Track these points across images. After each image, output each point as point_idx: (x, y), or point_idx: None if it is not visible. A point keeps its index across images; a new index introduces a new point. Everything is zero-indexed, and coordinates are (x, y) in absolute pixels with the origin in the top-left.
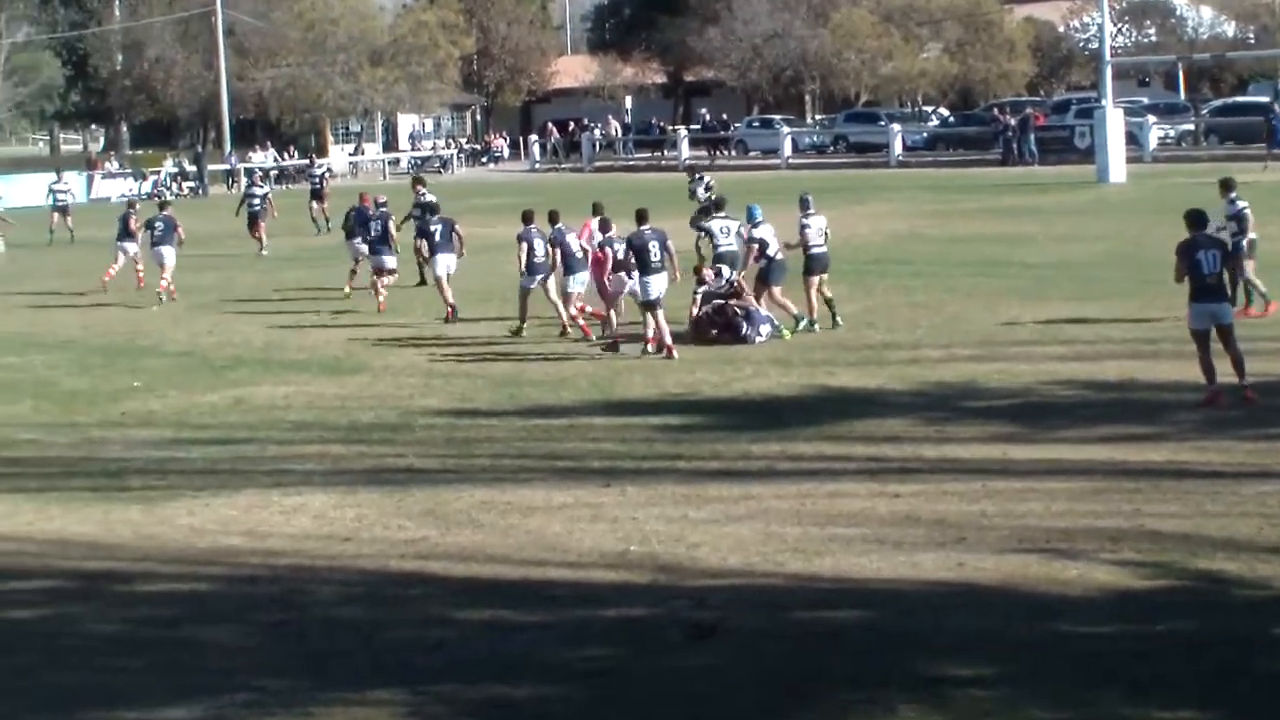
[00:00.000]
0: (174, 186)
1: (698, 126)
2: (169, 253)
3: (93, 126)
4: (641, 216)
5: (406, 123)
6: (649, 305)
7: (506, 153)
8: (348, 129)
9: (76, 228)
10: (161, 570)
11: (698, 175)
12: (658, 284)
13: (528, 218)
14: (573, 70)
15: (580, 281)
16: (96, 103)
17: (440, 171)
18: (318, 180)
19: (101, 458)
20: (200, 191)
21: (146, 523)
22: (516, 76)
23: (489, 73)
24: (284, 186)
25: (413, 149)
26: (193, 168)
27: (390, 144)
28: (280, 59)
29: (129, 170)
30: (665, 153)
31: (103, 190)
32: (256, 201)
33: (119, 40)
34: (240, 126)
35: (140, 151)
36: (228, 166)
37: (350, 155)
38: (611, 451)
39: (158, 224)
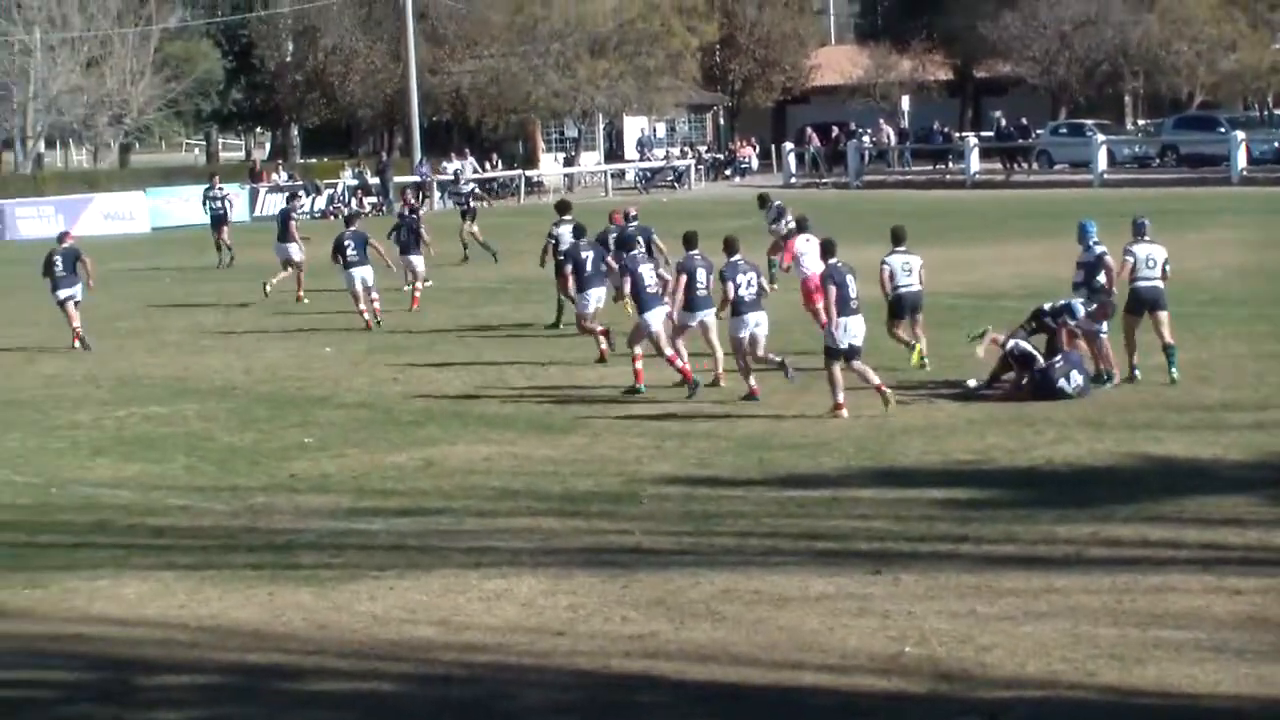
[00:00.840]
0: (353, 202)
1: (990, 133)
2: (367, 274)
3: (257, 130)
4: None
5: (634, 127)
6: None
7: (755, 164)
8: (562, 134)
9: (236, 249)
10: (337, 666)
11: (774, 205)
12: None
13: (690, 241)
14: (837, 64)
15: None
16: (262, 101)
17: (675, 186)
18: (464, 199)
19: (266, 529)
20: (384, 208)
21: (319, 608)
22: (768, 71)
23: (735, 66)
24: (487, 204)
25: (641, 158)
26: (375, 179)
27: (614, 152)
28: (481, 49)
29: (300, 182)
30: (950, 164)
31: (269, 206)
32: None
33: (289, 27)
34: (433, 130)
35: (313, 160)
36: (418, 178)
37: (565, 165)
38: (882, 531)
39: (349, 243)
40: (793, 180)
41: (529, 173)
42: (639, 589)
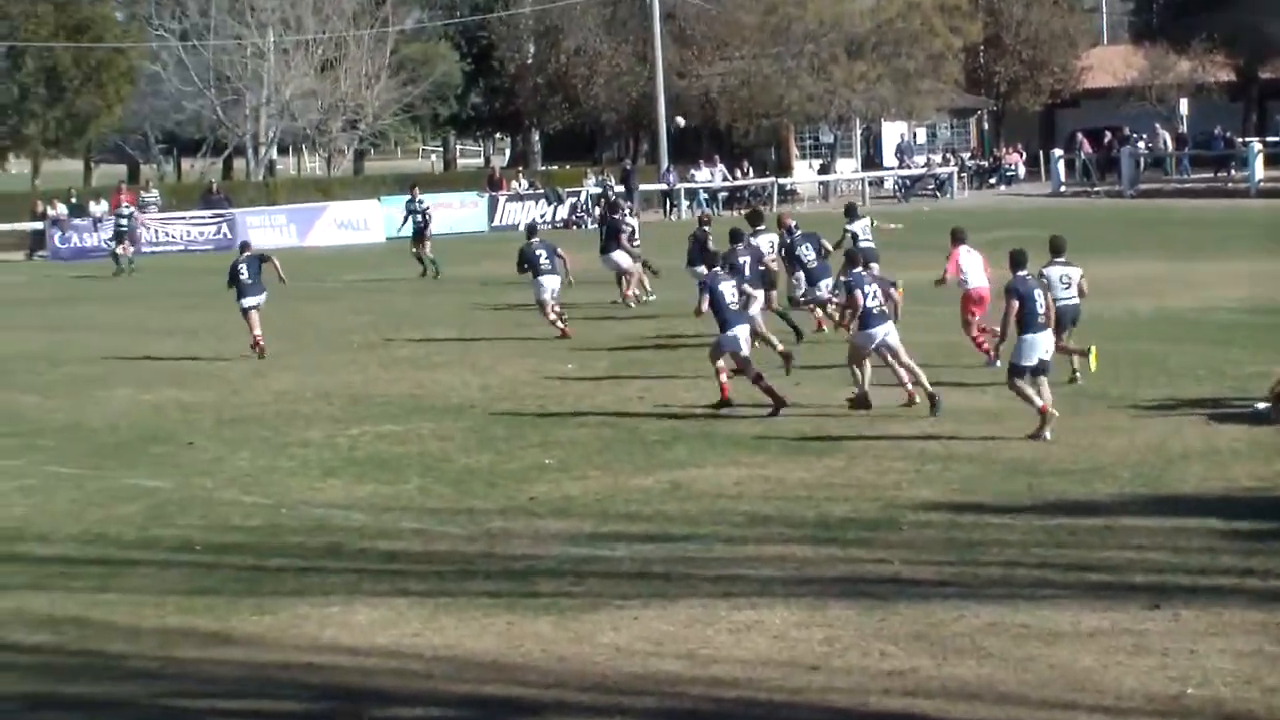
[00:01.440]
0: (595, 211)
1: (1276, 139)
2: (555, 284)
3: (496, 136)
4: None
5: (892, 132)
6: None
7: (1022, 171)
8: (816, 140)
9: (476, 260)
10: (578, 700)
11: (857, 214)
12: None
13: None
14: (1110, 65)
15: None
16: (501, 105)
17: (936, 195)
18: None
19: (504, 554)
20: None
21: (559, 638)
22: (1036, 73)
23: (1000, 68)
24: (735, 212)
25: (900, 165)
26: (620, 187)
27: (871, 159)
28: (732, 50)
29: (541, 190)
30: (1232, 172)
31: (509, 215)
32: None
33: (530, 27)
34: (681, 136)
35: (554, 167)
36: (664, 187)
37: (819, 173)
38: (1160, 563)
39: (540, 253)
40: (1062, 189)
41: (781, 180)
42: (898, 622)
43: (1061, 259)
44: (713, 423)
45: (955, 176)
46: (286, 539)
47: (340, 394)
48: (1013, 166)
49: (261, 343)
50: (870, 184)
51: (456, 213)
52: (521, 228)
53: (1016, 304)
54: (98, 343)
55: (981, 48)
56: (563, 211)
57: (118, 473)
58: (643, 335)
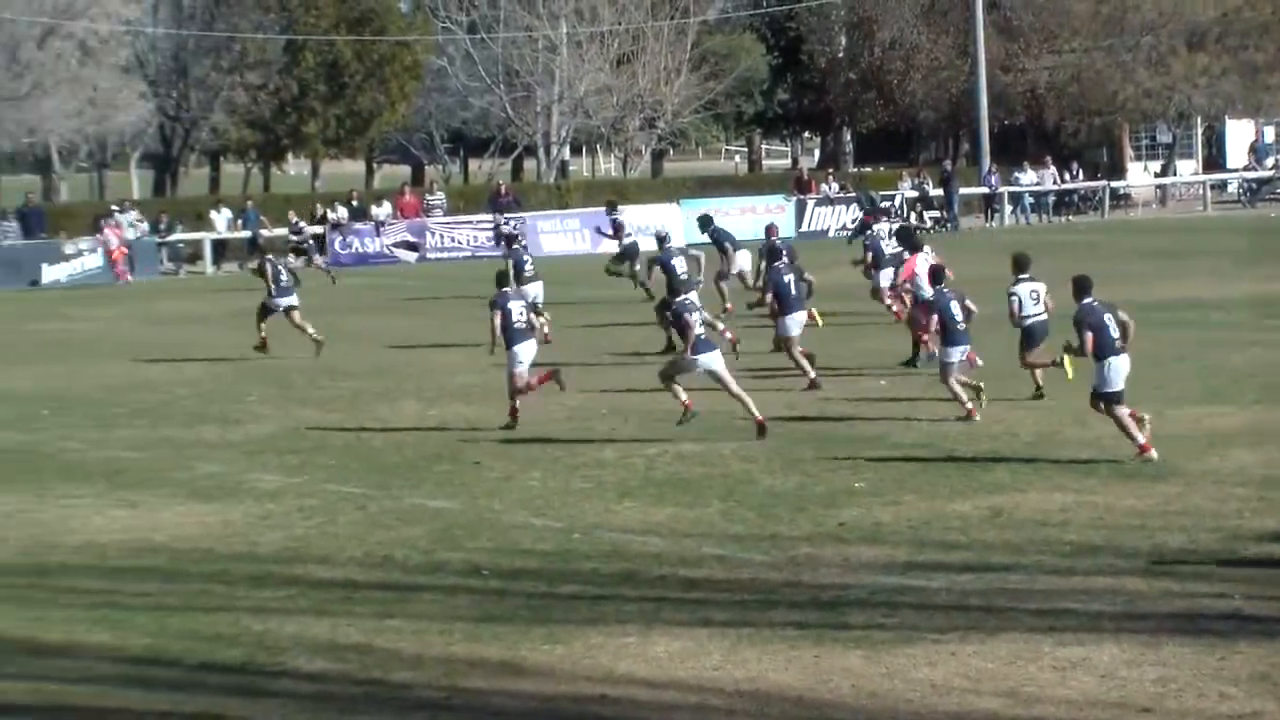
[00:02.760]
0: (912, 216)
1: None
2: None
3: (805, 135)
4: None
5: (1237, 131)
6: None
7: None
8: (1153, 139)
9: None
10: None
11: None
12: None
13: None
14: None
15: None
16: (810, 102)
17: None
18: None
19: (811, 583)
20: (948, 224)
21: (870, 674)
22: None
23: None
24: (1065, 218)
25: (1247, 167)
26: (938, 191)
27: (1213, 160)
28: (1061, 43)
29: (853, 193)
30: None
31: (818, 220)
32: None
33: (842, 19)
34: (1004, 135)
35: (866, 168)
36: (986, 190)
37: (1157, 175)
38: None
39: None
40: None
41: (1115, 184)
42: (1239, 661)
43: (1026, 275)
44: (1036, 445)
45: None
46: (579, 565)
47: (636, 411)
48: None
49: (315, 336)
50: (1212, 188)
51: (761, 218)
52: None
53: (1091, 335)
54: (378, 355)
55: None
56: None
57: (402, 492)
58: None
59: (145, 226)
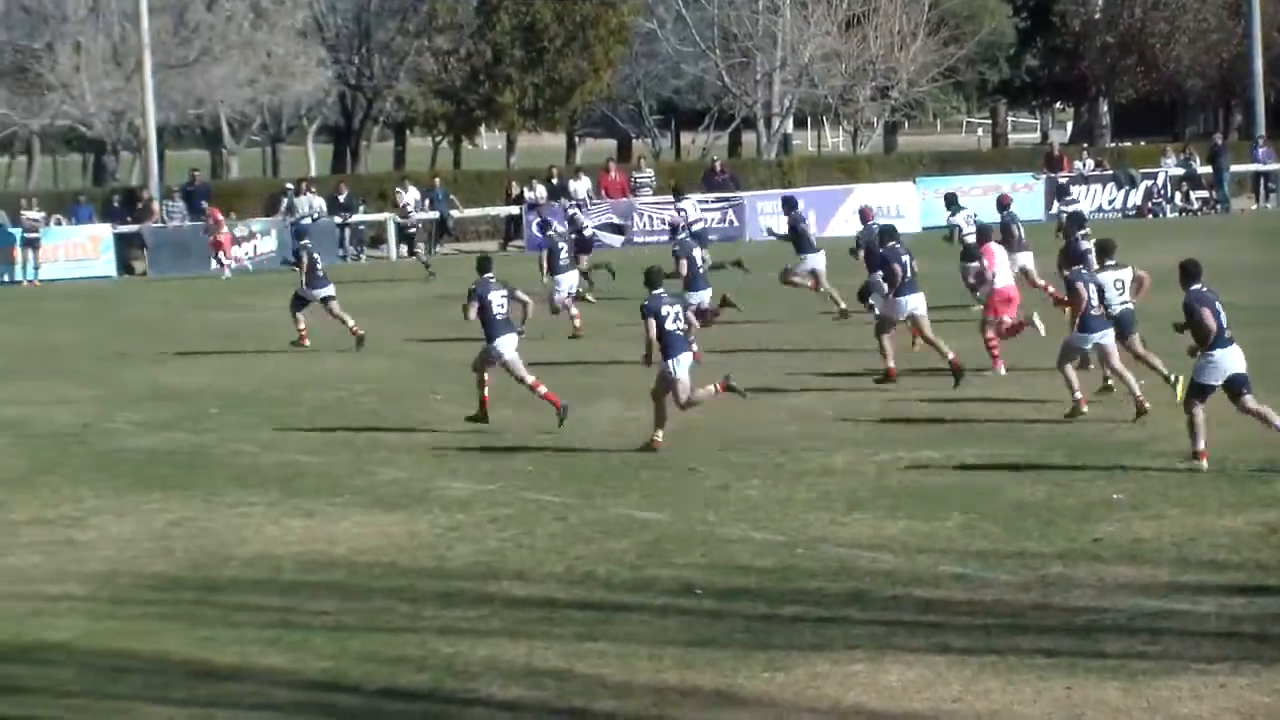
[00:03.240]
0: (1176, 196)
1: None
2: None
3: (1056, 106)
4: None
5: None
6: None
7: None
8: None
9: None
10: None
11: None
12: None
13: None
14: None
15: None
16: (1062, 70)
17: None
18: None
19: (1062, 606)
20: (1217, 205)
21: (1129, 707)
22: None
23: None
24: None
25: None
26: (1206, 169)
27: None
28: None
29: (1110, 171)
30: None
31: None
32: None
33: None
34: None
35: (1125, 143)
36: (1258, 167)
37: None
38: None
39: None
40: None
41: None
42: None
43: (1111, 262)
44: None
45: None
46: (803, 583)
47: (865, 414)
48: None
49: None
50: None
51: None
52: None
53: (1209, 314)
54: (577, 349)
55: None
56: (1135, 197)
57: (606, 502)
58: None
59: (323, 206)
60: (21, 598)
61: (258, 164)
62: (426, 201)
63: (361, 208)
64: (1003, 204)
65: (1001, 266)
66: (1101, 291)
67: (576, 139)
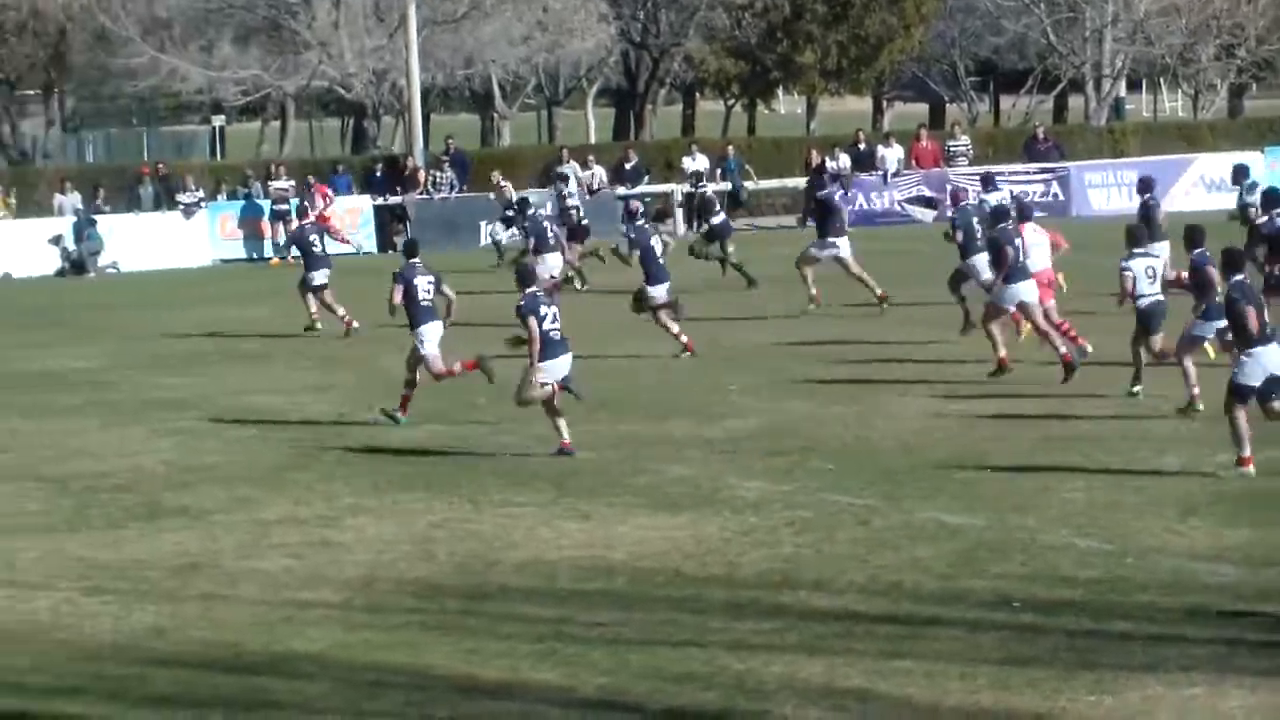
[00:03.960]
0: None
1: None
2: None
3: None
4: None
5: None
6: None
7: None
8: None
9: None
10: None
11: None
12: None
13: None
14: None
15: None
16: None
17: None
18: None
19: None
20: None
21: None
22: None
23: None
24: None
25: None
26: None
27: None
28: None
29: None
30: None
31: None
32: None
33: None
34: None
35: None
36: None
37: None
38: None
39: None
40: None
41: None
42: None
43: (1142, 248)
44: None
45: None
46: (1133, 596)
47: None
48: None
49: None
50: None
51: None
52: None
53: (1253, 312)
54: (889, 330)
55: None
56: None
57: (913, 505)
58: None
59: (602, 175)
60: (272, 604)
61: (532, 129)
62: (718, 171)
63: (646, 177)
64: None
65: (1036, 249)
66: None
67: (884, 103)
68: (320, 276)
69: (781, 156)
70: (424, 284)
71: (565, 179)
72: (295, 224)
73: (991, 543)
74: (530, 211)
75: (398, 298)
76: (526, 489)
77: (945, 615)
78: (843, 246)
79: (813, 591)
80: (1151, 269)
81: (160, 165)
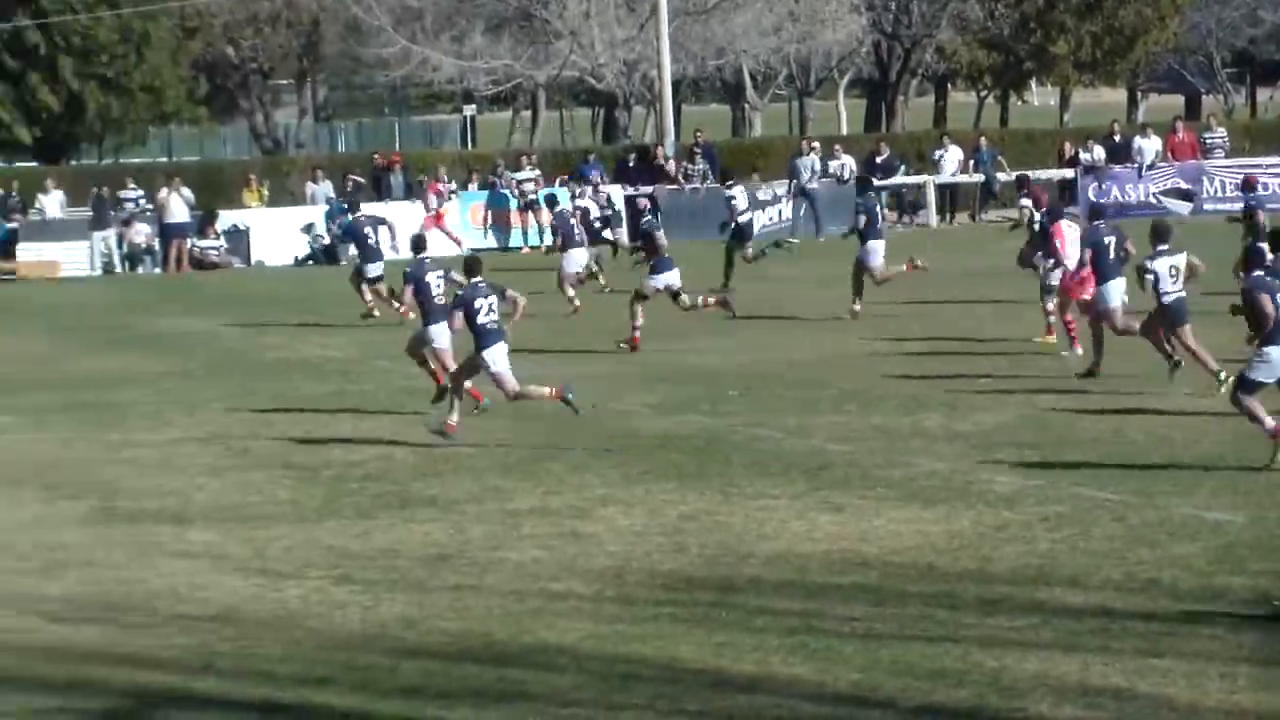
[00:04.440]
0: None
1: None
2: None
3: None
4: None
5: None
6: None
7: None
8: None
9: None
10: None
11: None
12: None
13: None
14: None
15: None
16: None
17: None
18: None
19: None
20: None
21: None
22: None
23: None
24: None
25: None
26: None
27: None
28: None
29: None
30: None
31: None
32: None
33: None
34: None
35: None
36: None
37: None
38: None
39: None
40: None
41: None
42: None
43: (1165, 246)
44: None
45: None
46: None
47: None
48: None
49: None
50: None
51: None
52: None
53: (1270, 303)
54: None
55: None
56: None
57: (1170, 500)
58: None
59: (852, 165)
60: (522, 595)
61: (783, 120)
62: (971, 163)
63: (901, 169)
64: (1249, 186)
65: (1073, 247)
66: None
67: (1139, 94)
68: (375, 269)
69: (1034, 148)
70: (435, 282)
71: (586, 181)
72: (342, 218)
73: (1252, 540)
74: (558, 209)
75: (408, 296)
76: (778, 481)
77: (1204, 613)
78: None
79: (1068, 588)
80: (1174, 267)
81: (393, 156)
